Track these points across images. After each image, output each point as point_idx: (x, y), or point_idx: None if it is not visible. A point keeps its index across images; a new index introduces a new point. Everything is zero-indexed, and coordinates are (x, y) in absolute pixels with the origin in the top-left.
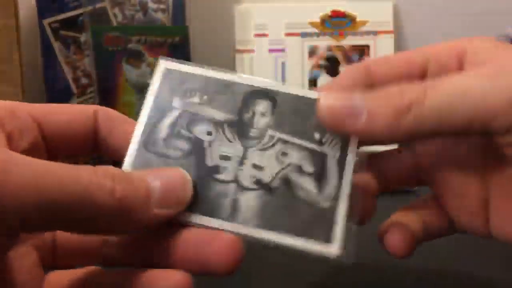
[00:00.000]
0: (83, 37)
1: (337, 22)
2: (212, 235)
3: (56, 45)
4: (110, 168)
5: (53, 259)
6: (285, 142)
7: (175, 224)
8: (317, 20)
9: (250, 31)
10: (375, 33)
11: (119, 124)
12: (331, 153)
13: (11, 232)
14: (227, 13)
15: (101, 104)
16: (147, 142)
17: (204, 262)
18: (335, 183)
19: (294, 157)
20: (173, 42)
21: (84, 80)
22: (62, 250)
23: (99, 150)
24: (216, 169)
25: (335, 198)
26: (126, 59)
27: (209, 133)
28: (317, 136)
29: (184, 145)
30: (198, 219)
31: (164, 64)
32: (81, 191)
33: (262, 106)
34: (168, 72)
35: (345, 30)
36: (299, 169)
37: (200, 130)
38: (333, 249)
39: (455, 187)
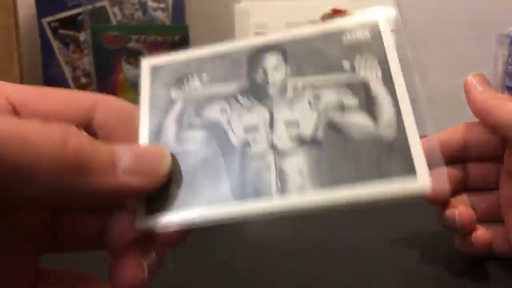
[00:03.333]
0: (82, 36)
1: None
2: None
3: (56, 44)
4: (65, 125)
5: (52, 243)
6: (313, 86)
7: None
8: (318, 18)
9: (250, 30)
10: None
11: (120, 121)
12: (371, 74)
13: None
14: (227, 12)
15: None
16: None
17: None
18: (391, 104)
19: (330, 96)
20: (172, 41)
21: (83, 79)
22: (62, 233)
23: None
24: (245, 144)
25: (399, 122)
26: (126, 58)
27: (223, 110)
28: (346, 64)
29: (199, 133)
30: (244, 205)
31: (148, 63)
32: (20, 137)
33: (271, 60)
34: (156, 69)
35: None
36: (341, 106)
37: (212, 111)
38: (422, 183)
39: None
